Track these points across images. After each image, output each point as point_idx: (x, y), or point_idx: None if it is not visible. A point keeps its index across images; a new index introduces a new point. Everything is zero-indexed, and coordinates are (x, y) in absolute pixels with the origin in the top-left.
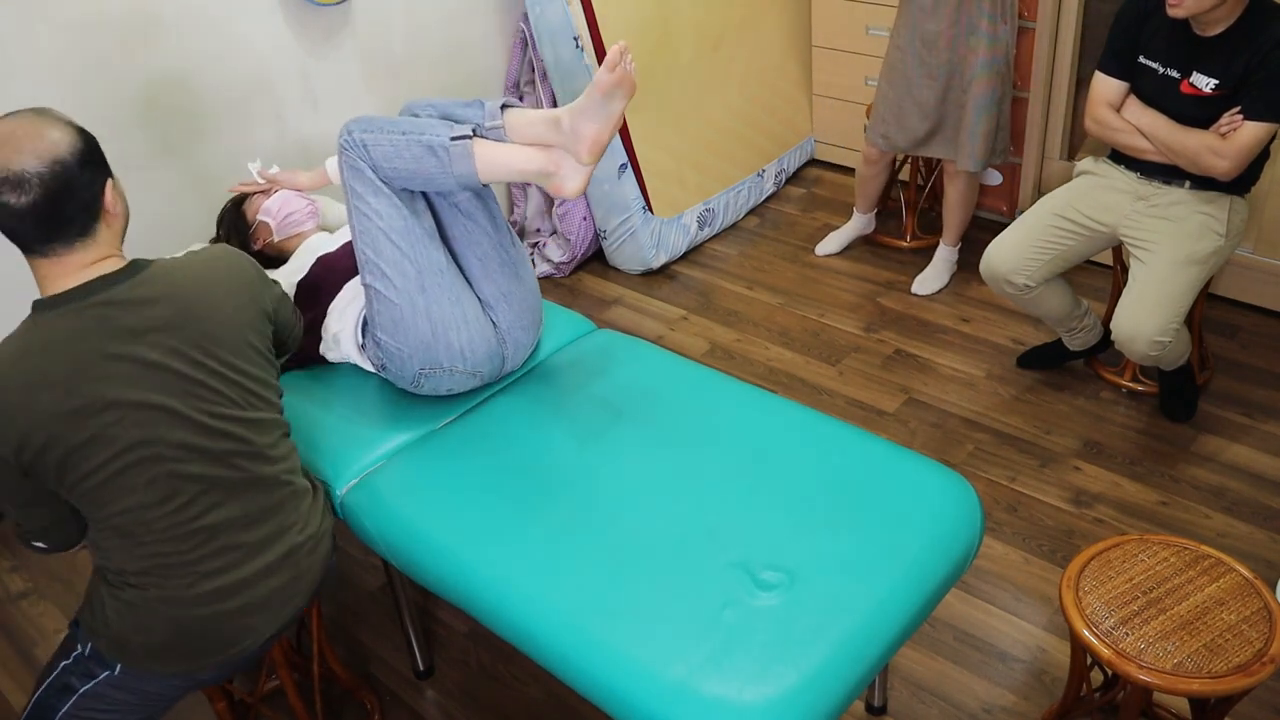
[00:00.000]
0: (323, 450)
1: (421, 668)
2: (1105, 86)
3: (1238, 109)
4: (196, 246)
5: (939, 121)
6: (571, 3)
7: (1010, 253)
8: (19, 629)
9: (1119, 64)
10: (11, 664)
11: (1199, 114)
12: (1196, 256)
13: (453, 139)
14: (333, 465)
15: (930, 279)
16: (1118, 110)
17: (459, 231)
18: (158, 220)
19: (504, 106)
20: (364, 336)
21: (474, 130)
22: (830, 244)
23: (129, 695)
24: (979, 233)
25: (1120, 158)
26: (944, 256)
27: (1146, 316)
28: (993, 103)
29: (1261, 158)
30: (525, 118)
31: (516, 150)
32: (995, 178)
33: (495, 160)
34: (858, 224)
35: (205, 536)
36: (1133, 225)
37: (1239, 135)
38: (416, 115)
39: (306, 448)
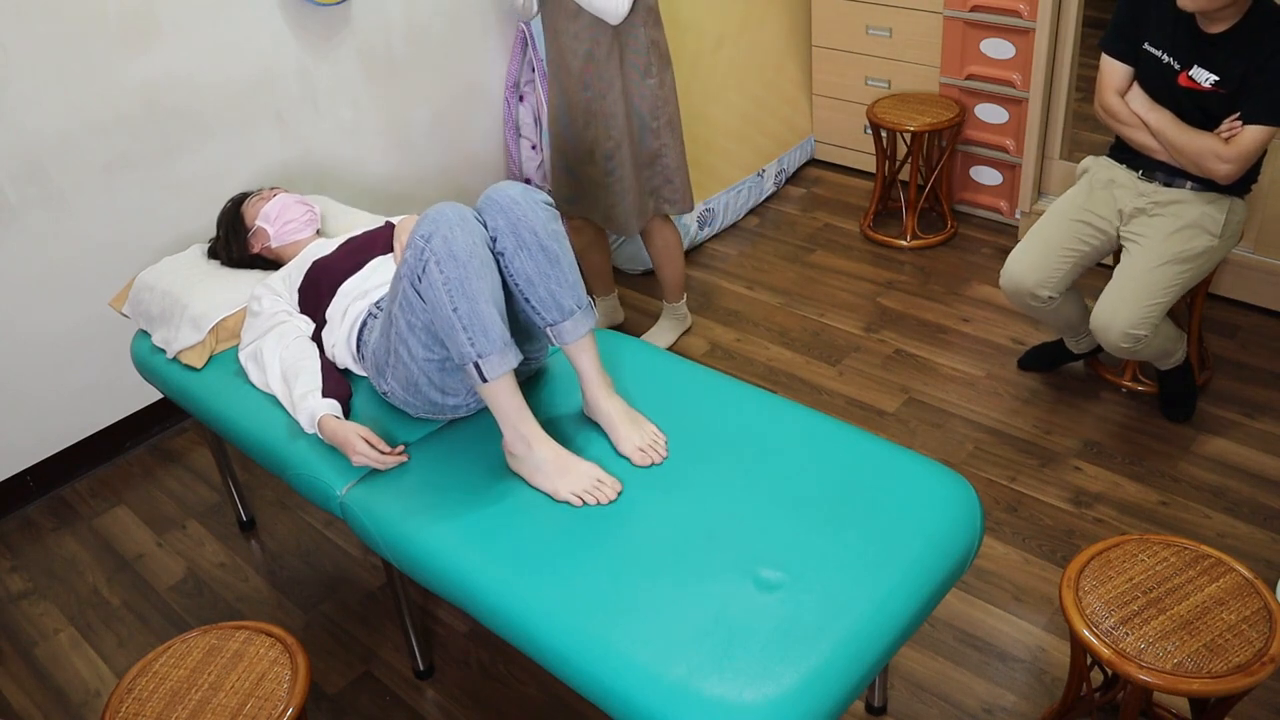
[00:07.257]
0: (324, 450)
1: (421, 668)
2: (1113, 72)
3: (1237, 115)
4: (198, 247)
5: (585, 186)
6: None
7: (1033, 265)
8: (19, 629)
9: (1124, 45)
10: (12, 664)
11: (1193, 107)
12: (1184, 255)
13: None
14: (333, 465)
15: (657, 336)
16: (1123, 97)
17: None
18: (158, 220)
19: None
20: (358, 348)
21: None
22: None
23: None
24: (981, 232)
25: (1121, 156)
26: (669, 313)
27: (1122, 308)
28: (644, 164)
29: (1261, 157)
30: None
31: (516, 410)
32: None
33: (496, 404)
34: (602, 308)
35: None
36: (1132, 220)
37: (1240, 139)
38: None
39: (308, 448)
